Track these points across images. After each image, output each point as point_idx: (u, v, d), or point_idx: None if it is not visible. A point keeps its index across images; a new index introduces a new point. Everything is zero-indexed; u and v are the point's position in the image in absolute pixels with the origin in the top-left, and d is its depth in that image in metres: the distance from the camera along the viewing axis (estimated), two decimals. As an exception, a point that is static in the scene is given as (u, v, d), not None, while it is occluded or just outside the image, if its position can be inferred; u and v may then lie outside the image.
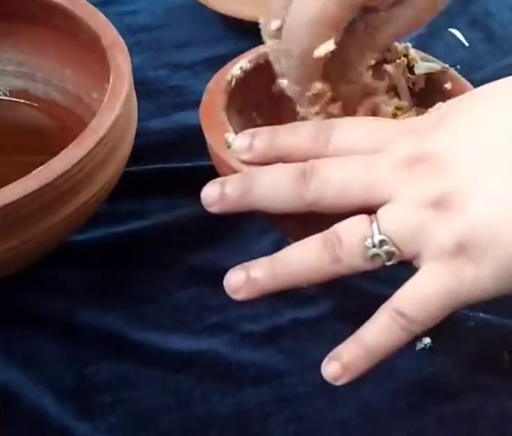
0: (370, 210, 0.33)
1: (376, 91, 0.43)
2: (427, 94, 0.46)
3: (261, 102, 0.49)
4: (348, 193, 0.34)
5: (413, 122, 0.36)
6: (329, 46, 0.38)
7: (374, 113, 0.43)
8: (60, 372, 0.41)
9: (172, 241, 0.48)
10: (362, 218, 0.33)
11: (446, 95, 0.44)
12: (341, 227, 0.33)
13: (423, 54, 0.47)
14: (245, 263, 0.35)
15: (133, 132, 0.45)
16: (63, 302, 0.44)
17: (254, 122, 0.48)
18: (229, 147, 0.40)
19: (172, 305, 0.45)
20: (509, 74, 0.35)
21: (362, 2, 0.38)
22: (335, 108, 0.42)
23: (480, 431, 0.39)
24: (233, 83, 0.45)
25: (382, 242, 0.32)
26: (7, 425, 0.39)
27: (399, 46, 0.45)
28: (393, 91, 0.44)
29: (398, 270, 0.47)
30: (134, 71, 0.45)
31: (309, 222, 0.39)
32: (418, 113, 0.44)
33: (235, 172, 0.40)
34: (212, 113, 0.43)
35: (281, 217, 0.40)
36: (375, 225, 0.32)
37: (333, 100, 0.41)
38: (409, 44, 0.46)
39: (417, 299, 0.32)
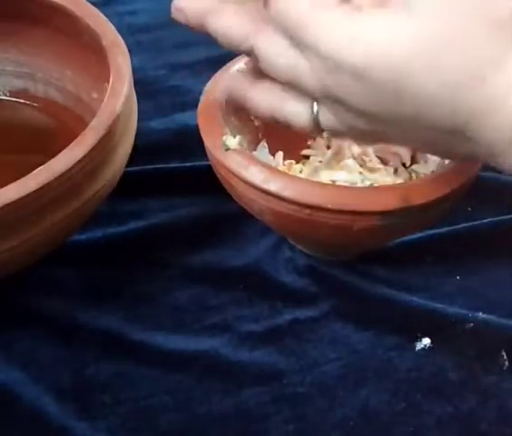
0: None
1: None
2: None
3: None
4: None
5: None
6: None
7: None
8: (60, 372, 0.41)
9: (172, 241, 0.48)
10: None
11: None
12: None
13: None
14: None
15: (133, 132, 0.45)
16: (63, 302, 0.44)
17: (252, 123, 0.48)
18: (227, 149, 0.40)
19: (172, 305, 0.45)
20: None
21: None
22: None
23: (480, 431, 0.39)
24: None
25: None
26: (7, 425, 0.39)
27: None
28: None
29: (398, 271, 0.47)
30: (134, 71, 0.45)
31: (307, 224, 0.39)
32: None
33: (233, 173, 0.40)
34: (210, 115, 0.43)
35: (281, 219, 0.40)
36: None
37: None
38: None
39: None
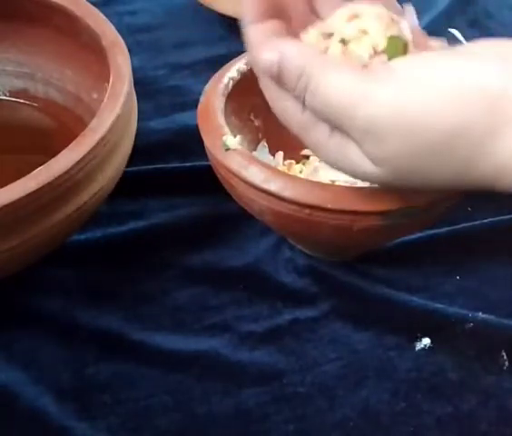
0: None
1: None
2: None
3: (258, 103, 0.49)
4: None
5: None
6: None
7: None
8: (60, 372, 0.41)
9: (172, 241, 0.48)
10: None
11: None
12: None
13: None
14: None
15: (133, 132, 0.45)
16: (63, 302, 0.44)
17: (251, 123, 0.48)
18: (227, 149, 0.40)
19: (172, 305, 0.45)
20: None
21: None
22: None
23: (480, 431, 0.39)
24: (230, 85, 0.45)
25: None
26: (7, 425, 0.39)
27: None
28: None
29: (398, 271, 0.47)
30: (134, 71, 0.45)
31: (307, 224, 0.39)
32: None
33: (233, 174, 0.40)
34: (210, 115, 0.43)
35: (281, 219, 0.40)
36: None
37: None
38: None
39: None
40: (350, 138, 0.33)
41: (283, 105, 0.36)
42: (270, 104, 0.37)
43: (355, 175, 0.35)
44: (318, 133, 0.34)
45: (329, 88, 0.32)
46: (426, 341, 0.43)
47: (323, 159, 0.36)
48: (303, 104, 0.34)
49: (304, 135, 0.35)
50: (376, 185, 0.44)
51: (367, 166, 0.33)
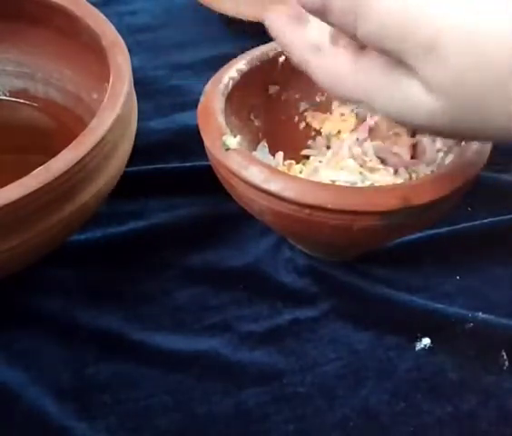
0: None
1: None
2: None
3: (258, 103, 0.49)
4: None
5: None
6: None
7: None
8: (60, 372, 0.41)
9: (172, 241, 0.48)
10: None
11: None
12: None
13: None
14: None
15: (133, 132, 0.45)
16: (63, 302, 0.44)
17: (251, 123, 0.48)
18: (227, 149, 0.40)
19: (172, 305, 0.45)
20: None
21: None
22: None
23: (480, 431, 0.39)
24: (230, 85, 0.45)
25: None
26: (7, 425, 0.39)
27: None
28: None
29: (398, 271, 0.47)
30: (134, 71, 0.45)
31: (307, 224, 0.39)
32: None
33: (233, 174, 0.40)
34: (210, 115, 0.43)
35: (281, 219, 0.40)
36: None
37: None
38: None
39: None
40: (407, 69, 0.30)
41: (334, 65, 0.33)
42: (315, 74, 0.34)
43: (406, 114, 0.32)
44: (374, 74, 0.32)
45: (383, 7, 0.29)
46: (426, 341, 0.43)
47: (379, 106, 0.33)
48: (353, 37, 0.31)
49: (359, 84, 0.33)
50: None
51: (421, 97, 0.30)
